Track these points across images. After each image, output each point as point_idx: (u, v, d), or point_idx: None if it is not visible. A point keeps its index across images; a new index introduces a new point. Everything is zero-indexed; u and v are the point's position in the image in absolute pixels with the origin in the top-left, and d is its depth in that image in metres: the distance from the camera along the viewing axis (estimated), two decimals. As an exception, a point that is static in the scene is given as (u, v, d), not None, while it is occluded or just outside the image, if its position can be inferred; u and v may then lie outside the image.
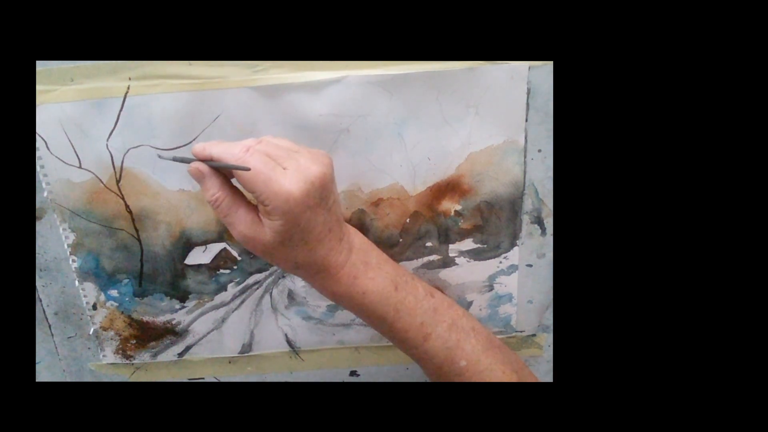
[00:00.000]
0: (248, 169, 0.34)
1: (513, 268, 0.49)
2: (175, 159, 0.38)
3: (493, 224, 0.47)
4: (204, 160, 0.36)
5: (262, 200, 0.34)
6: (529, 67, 0.42)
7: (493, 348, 0.42)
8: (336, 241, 0.38)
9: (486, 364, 0.41)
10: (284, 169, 0.35)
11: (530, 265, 0.49)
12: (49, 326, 0.50)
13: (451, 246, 0.48)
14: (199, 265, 0.48)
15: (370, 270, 0.40)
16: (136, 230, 0.46)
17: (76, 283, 0.48)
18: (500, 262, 0.49)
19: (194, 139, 0.43)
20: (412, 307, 0.40)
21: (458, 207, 0.46)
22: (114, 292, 0.48)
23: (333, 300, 0.40)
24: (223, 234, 0.47)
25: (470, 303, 0.50)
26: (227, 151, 0.35)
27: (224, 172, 0.37)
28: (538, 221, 0.47)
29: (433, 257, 0.48)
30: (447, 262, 0.48)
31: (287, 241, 0.36)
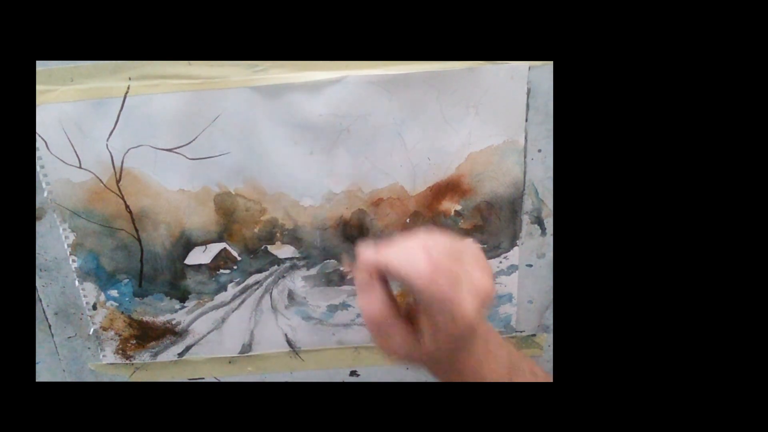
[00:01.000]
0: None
1: (513, 268, 0.49)
2: (347, 262, 0.34)
3: (493, 224, 0.47)
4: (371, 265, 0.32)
5: (435, 323, 0.31)
6: (529, 67, 0.42)
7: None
8: (482, 353, 0.35)
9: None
10: (461, 288, 0.31)
11: (530, 265, 0.49)
12: (49, 326, 0.50)
13: (451, 246, 0.48)
14: (199, 265, 0.48)
15: (491, 359, 0.36)
16: (136, 230, 0.46)
17: (76, 283, 0.48)
18: (500, 262, 0.49)
19: (194, 139, 0.43)
20: None
21: (458, 207, 0.46)
22: (114, 292, 0.48)
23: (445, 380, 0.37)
24: (222, 234, 0.47)
25: (470, 303, 0.50)
26: (413, 269, 0.30)
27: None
28: (538, 221, 0.47)
29: (433, 257, 0.48)
30: (447, 262, 0.48)
31: (447, 356, 0.33)
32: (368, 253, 0.32)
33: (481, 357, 0.35)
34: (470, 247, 0.33)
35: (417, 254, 0.31)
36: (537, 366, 0.40)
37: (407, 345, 0.32)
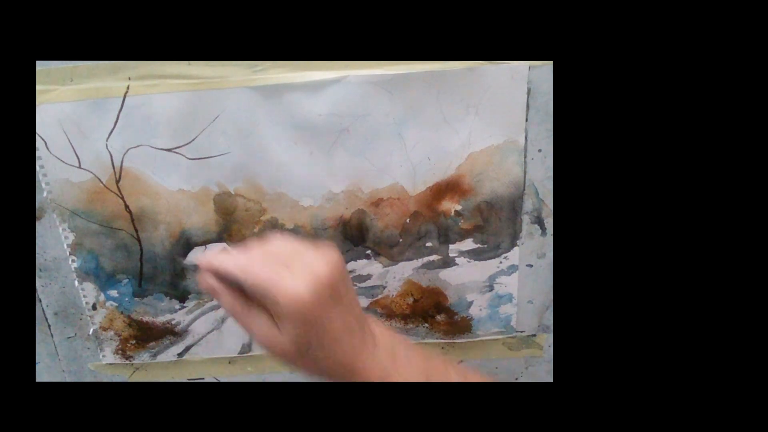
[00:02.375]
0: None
1: (513, 269, 0.49)
2: (189, 267, 0.37)
3: (494, 224, 0.47)
4: (212, 271, 0.35)
5: (271, 306, 0.33)
6: (530, 67, 0.42)
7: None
8: (359, 340, 0.36)
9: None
10: (291, 272, 0.33)
11: (530, 266, 0.49)
12: (49, 326, 0.50)
13: (451, 246, 0.48)
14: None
15: (400, 366, 0.37)
16: (136, 230, 0.46)
17: (76, 283, 0.48)
18: (500, 263, 0.49)
19: (194, 139, 0.43)
20: None
21: (458, 207, 0.46)
22: (113, 293, 0.48)
23: None
24: (222, 234, 0.47)
25: (470, 303, 0.50)
26: (231, 261, 0.34)
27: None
28: (539, 221, 0.47)
29: (433, 257, 0.48)
30: (447, 262, 0.48)
31: (306, 349, 0.34)
32: (201, 259, 0.35)
33: (388, 364, 0.36)
34: (320, 246, 0.35)
35: (236, 252, 0.34)
36: (472, 373, 0.40)
37: (269, 334, 0.34)
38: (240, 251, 0.35)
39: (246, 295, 0.35)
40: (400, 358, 0.37)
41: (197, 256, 0.35)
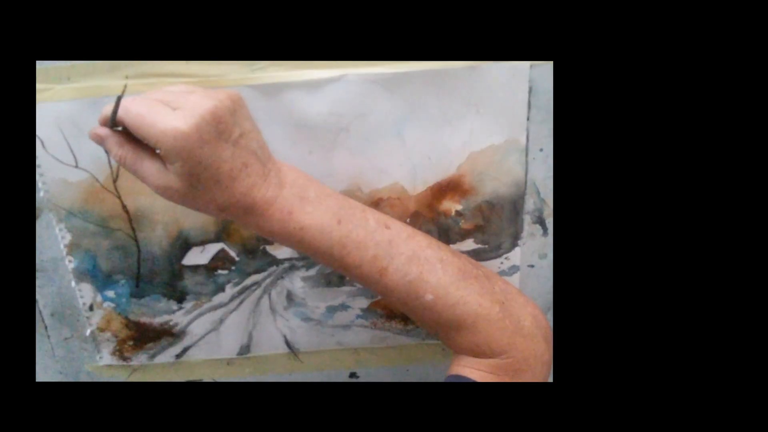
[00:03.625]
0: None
1: (514, 269, 0.48)
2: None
3: (495, 224, 0.47)
4: (104, 124, 0.36)
5: (154, 145, 0.33)
6: (531, 66, 0.42)
7: (467, 279, 0.39)
8: (258, 177, 0.36)
9: (457, 297, 0.39)
10: (174, 110, 0.33)
11: (532, 266, 0.49)
12: (46, 327, 0.50)
13: (452, 246, 0.47)
14: (197, 266, 0.47)
15: (308, 204, 0.37)
16: (133, 230, 0.46)
17: (73, 283, 0.48)
18: (501, 263, 0.48)
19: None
20: (362, 239, 0.38)
21: (459, 207, 0.46)
22: (111, 293, 0.48)
23: (273, 239, 0.38)
24: (221, 234, 0.46)
25: (471, 304, 0.50)
26: (120, 105, 0.34)
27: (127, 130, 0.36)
28: (540, 221, 0.47)
29: (434, 258, 0.48)
30: (447, 263, 0.48)
31: (197, 184, 0.34)
32: (100, 116, 0.36)
33: (295, 202, 0.37)
34: (211, 89, 0.36)
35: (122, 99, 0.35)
36: (395, 222, 0.40)
37: (157, 173, 0.34)
38: (125, 99, 0.35)
39: (135, 141, 0.35)
40: (309, 199, 0.37)
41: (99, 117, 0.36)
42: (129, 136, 0.35)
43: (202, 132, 0.33)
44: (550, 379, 0.43)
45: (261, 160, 0.36)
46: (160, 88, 0.36)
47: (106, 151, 0.36)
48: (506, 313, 0.40)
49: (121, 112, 0.34)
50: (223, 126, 0.34)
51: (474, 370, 0.40)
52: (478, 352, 0.40)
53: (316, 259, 0.39)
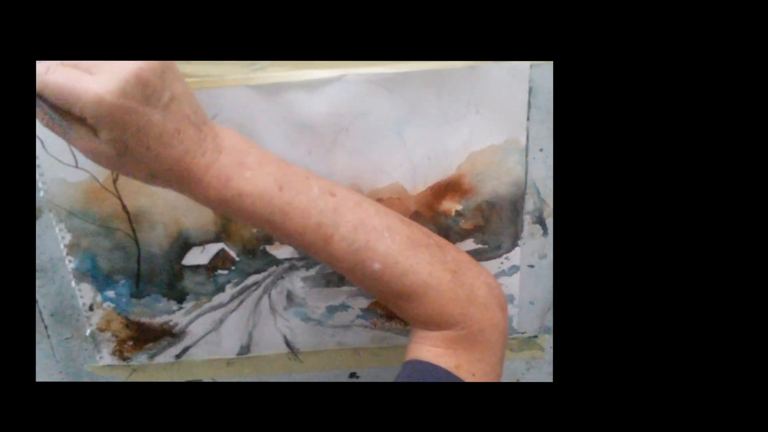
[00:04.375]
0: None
1: (514, 269, 0.48)
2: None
3: (495, 224, 0.47)
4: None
5: (78, 114, 0.32)
6: (531, 66, 0.42)
7: (417, 247, 0.38)
8: (192, 143, 0.34)
9: (406, 266, 0.38)
10: (92, 75, 0.32)
11: (532, 266, 0.48)
12: (46, 327, 0.49)
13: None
14: (197, 266, 0.47)
15: (247, 170, 0.36)
16: (133, 230, 0.46)
17: (73, 283, 0.48)
18: (501, 263, 0.48)
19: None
20: (304, 207, 0.37)
21: (459, 207, 0.46)
22: (111, 293, 0.48)
23: (211, 208, 0.37)
24: (221, 234, 0.46)
25: (471, 304, 0.50)
26: (38, 78, 0.33)
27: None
28: (540, 221, 0.47)
29: (434, 258, 0.48)
30: (447, 263, 0.48)
31: (126, 150, 0.33)
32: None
33: (233, 168, 0.35)
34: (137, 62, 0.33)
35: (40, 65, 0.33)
36: (342, 188, 0.39)
37: (88, 142, 0.33)
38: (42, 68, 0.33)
39: (59, 111, 0.33)
40: (248, 165, 0.36)
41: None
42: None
43: (126, 96, 0.31)
44: (507, 348, 0.41)
45: (195, 124, 0.35)
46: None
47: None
48: (458, 282, 0.39)
49: (39, 86, 0.32)
50: (150, 89, 0.32)
51: (430, 348, 0.39)
52: (430, 324, 0.39)
53: (256, 226, 0.38)
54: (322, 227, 0.37)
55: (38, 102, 0.33)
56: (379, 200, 0.45)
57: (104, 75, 0.31)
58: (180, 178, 0.35)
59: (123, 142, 0.32)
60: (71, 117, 0.33)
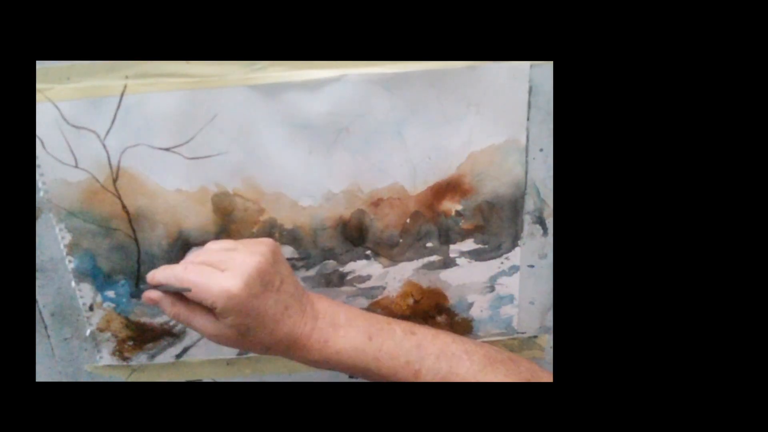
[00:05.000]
0: (189, 290, 0.37)
1: (514, 269, 0.48)
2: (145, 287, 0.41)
3: (495, 224, 0.47)
4: (156, 286, 0.39)
5: (209, 305, 0.37)
6: (531, 66, 0.42)
7: (493, 364, 0.42)
8: (297, 315, 0.40)
9: (487, 381, 0.41)
10: (222, 272, 0.37)
11: (532, 266, 0.48)
12: (45, 327, 0.49)
13: (451, 246, 0.47)
14: (197, 266, 0.47)
15: (340, 329, 0.41)
16: (133, 230, 0.46)
17: (73, 283, 0.48)
18: (501, 263, 0.48)
19: (192, 138, 0.43)
20: (393, 350, 0.41)
21: (459, 207, 0.46)
22: (111, 293, 0.48)
23: (313, 366, 0.42)
24: (220, 234, 0.46)
25: (471, 304, 0.50)
26: (171, 273, 0.38)
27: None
28: (540, 221, 0.47)
29: (434, 258, 0.48)
30: (448, 263, 0.48)
31: (247, 332, 0.38)
32: (148, 278, 0.39)
33: (329, 330, 0.41)
34: (252, 241, 0.41)
35: (176, 266, 0.39)
36: (420, 327, 0.43)
37: (210, 326, 0.38)
38: (176, 266, 0.39)
39: (185, 300, 0.39)
40: (340, 325, 0.41)
41: (147, 276, 0.40)
42: (178, 294, 0.39)
43: (251, 288, 0.37)
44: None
45: (298, 299, 0.40)
46: (204, 250, 0.40)
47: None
48: None
49: (176, 282, 0.38)
50: (267, 278, 0.38)
51: None
52: None
53: (355, 375, 0.43)
54: (410, 364, 0.41)
55: (166, 293, 0.39)
56: (379, 200, 0.45)
57: (231, 272, 0.37)
58: (288, 347, 0.40)
59: (245, 325, 0.38)
60: (195, 305, 0.38)
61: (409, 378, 0.41)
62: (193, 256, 0.40)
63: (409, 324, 0.44)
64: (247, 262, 0.37)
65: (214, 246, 0.40)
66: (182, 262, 0.39)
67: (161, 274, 0.39)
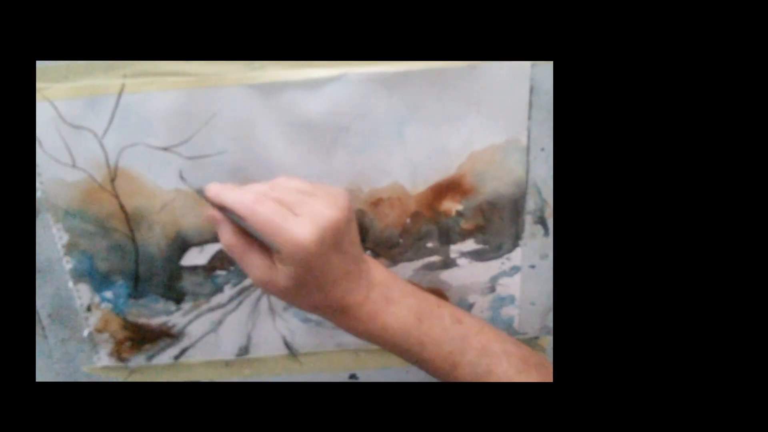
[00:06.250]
0: (278, 251, 0.34)
1: (515, 269, 0.48)
2: (196, 190, 0.38)
3: (496, 224, 0.46)
4: (220, 207, 0.36)
5: (275, 248, 0.34)
6: (532, 65, 0.41)
7: (528, 368, 0.41)
8: (354, 282, 0.38)
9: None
10: (296, 216, 0.34)
11: (533, 266, 0.48)
12: (43, 328, 0.49)
13: (452, 247, 0.47)
14: (195, 267, 0.47)
15: (392, 305, 0.39)
16: (131, 230, 0.45)
17: (70, 284, 0.47)
18: (502, 263, 0.48)
19: (190, 138, 0.43)
20: (439, 336, 0.40)
21: (459, 207, 0.46)
22: (108, 294, 0.48)
23: (356, 336, 0.40)
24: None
25: (472, 305, 0.49)
26: (239, 200, 0.34)
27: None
28: (541, 221, 0.47)
29: (434, 258, 0.47)
30: (448, 263, 0.48)
31: (302, 287, 0.35)
32: (211, 191, 0.36)
33: (381, 304, 0.38)
34: (329, 189, 0.37)
35: (247, 191, 0.35)
36: (466, 315, 0.42)
37: (264, 268, 0.35)
38: (247, 193, 0.35)
39: (247, 233, 0.35)
40: (393, 300, 0.39)
41: (207, 186, 0.36)
42: (238, 225, 0.35)
43: (324, 244, 0.34)
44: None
45: (358, 263, 0.38)
46: (277, 184, 0.36)
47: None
48: None
49: (245, 212, 0.34)
50: (339, 237, 0.35)
51: None
52: None
53: (395, 353, 0.41)
54: (452, 355, 0.40)
55: (227, 218, 0.35)
56: (379, 200, 0.45)
57: (306, 219, 0.34)
58: (337, 312, 0.38)
59: (302, 279, 0.35)
60: (253, 242, 0.35)
61: (446, 368, 0.40)
62: (265, 188, 0.36)
63: (457, 310, 0.42)
64: (326, 214, 0.34)
65: (288, 183, 0.37)
66: (253, 192, 0.35)
67: (228, 195, 0.35)
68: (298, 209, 0.34)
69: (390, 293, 0.39)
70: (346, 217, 0.35)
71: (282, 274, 0.35)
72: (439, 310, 0.41)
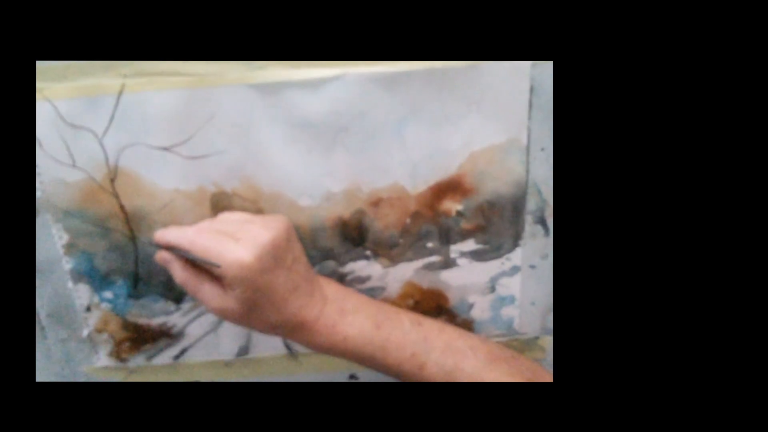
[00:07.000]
0: (217, 265, 0.35)
1: (515, 270, 0.48)
2: (151, 244, 0.40)
3: (496, 224, 0.46)
4: (168, 248, 0.38)
5: (219, 274, 0.36)
6: (532, 65, 0.41)
7: (496, 361, 0.42)
8: (306, 297, 0.39)
9: (490, 379, 0.41)
10: (237, 241, 0.36)
11: (533, 266, 0.48)
12: (42, 328, 0.49)
13: (452, 247, 0.47)
14: (195, 266, 0.47)
15: (349, 315, 0.40)
16: (131, 231, 0.45)
17: (70, 284, 0.47)
18: (502, 263, 0.48)
19: (190, 138, 0.43)
20: (400, 340, 0.41)
21: (460, 207, 0.46)
22: (108, 294, 0.48)
23: (319, 351, 0.41)
24: (219, 234, 0.46)
25: (471, 305, 0.49)
26: (182, 235, 0.37)
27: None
28: (542, 221, 0.47)
29: (434, 258, 0.47)
30: (448, 264, 0.48)
31: (255, 308, 0.37)
32: (157, 235, 0.38)
33: (336, 316, 0.40)
34: (268, 216, 0.39)
35: (187, 227, 0.38)
36: (426, 319, 0.43)
37: (217, 297, 0.37)
38: (192, 226, 0.37)
39: (198, 267, 0.38)
40: (349, 311, 0.41)
41: (155, 233, 0.39)
42: (189, 261, 0.38)
43: (263, 262, 0.36)
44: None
45: (308, 280, 0.39)
46: (219, 219, 0.39)
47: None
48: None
49: (187, 244, 0.36)
50: (280, 254, 0.37)
51: None
52: None
53: (359, 363, 0.41)
54: (416, 356, 0.41)
55: (177, 256, 0.38)
56: (379, 200, 0.45)
57: (245, 241, 0.36)
58: (294, 328, 0.39)
59: (252, 300, 0.36)
60: (204, 274, 0.37)
61: (414, 370, 0.41)
62: (207, 223, 0.39)
63: (415, 315, 0.43)
64: (262, 234, 0.36)
65: (230, 216, 0.39)
66: (195, 227, 0.38)
67: (172, 234, 0.37)
68: (238, 235, 0.36)
69: (345, 305, 0.41)
70: (283, 236, 0.37)
71: (233, 299, 0.36)
72: (397, 316, 0.42)
